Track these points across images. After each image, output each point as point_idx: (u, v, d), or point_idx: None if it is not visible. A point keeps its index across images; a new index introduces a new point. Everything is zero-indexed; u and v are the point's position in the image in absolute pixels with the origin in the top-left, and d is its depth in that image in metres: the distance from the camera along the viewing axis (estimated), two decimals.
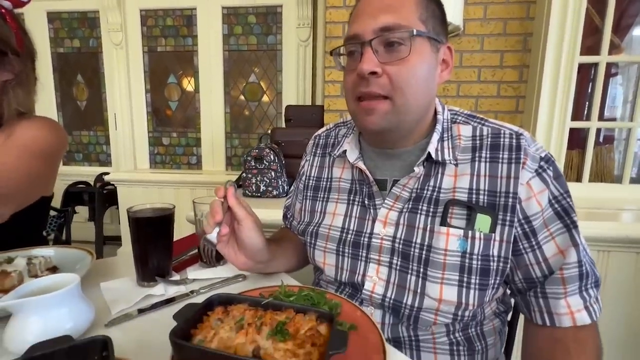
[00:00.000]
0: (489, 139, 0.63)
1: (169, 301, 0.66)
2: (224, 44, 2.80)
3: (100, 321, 0.58)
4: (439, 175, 0.64)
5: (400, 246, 0.64)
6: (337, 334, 0.46)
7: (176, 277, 0.76)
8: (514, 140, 0.61)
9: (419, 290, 0.61)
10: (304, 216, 0.83)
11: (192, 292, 0.69)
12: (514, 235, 0.59)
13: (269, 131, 1.94)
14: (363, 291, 0.67)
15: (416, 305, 0.62)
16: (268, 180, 1.67)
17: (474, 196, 0.61)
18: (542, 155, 0.60)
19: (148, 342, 0.54)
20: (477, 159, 0.63)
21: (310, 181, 0.84)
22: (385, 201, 0.67)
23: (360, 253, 0.69)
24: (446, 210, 0.61)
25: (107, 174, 2.72)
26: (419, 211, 0.64)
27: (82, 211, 2.78)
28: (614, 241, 1.35)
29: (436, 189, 0.64)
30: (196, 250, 0.87)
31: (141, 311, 0.62)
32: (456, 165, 0.63)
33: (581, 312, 0.58)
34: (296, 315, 0.52)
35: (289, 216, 0.94)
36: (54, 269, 0.71)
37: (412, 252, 0.63)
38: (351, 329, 0.56)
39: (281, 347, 0.45)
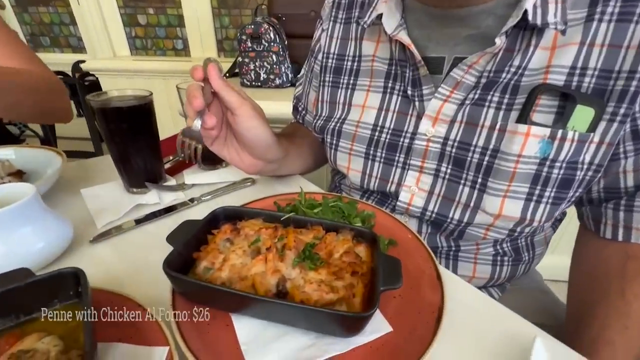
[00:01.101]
0: None
1: (168, 211, 0.55)
2: None
3: (84, 237, 0.48)
4: (530, 49, 0.43)
5: (454, 150, 0.49)
6: (387, 262, 0.35)
7: (171, 181, 0.64)
8: None
9: (471, 204, 0.49)
10: (321, 109, 0.65)
11: (192, 200, 0.58)
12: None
13: (266, 1, 1.55)
14: (398, 203, 0.55)
15: (465, 220, 0.51)
16: (269, 66, 1.41)
17: (576, 78, 0.42)
18: None
19: (144, 260, 0.44)
20: (595, 17, 0.41)
21: (330, 60, 0.62)
22: (440, 89, 0.48)
23: (396, 158, 0.55)
24: (530, 101, 0.43)
25: (83, 61, 2.37)
26: (488, 103, 0.46)
27: None
28: None
29: (520, 71, 0.44)
30: None
31: (137, 222, 0.52)
32: (563, 31, 0.42)
33: None
34: (327, 234, 0.40)
35: (300, 109, 0.75)
36: (18, 174, 0.58)
37: (469, 158, 0.48)
38: (390, 244, 0.46)
39: (313, 277, 0.34)
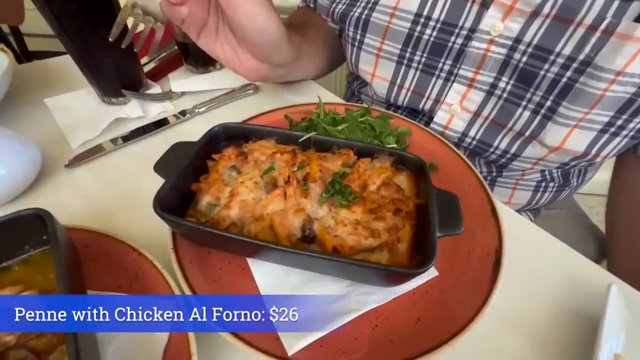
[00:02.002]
0: None
1: (157, 126, 0.45)
2: None
3: (57, 160, 0.39)
4: None
5: (525, 59, 0.36)
6: (442, 198, 0.27)
7: (155, 89, 0.52)
8: None
9: (527, 133, 0.39)
10: None
11: (183, 113, 0.47)
12: None
13: None
14: (431, 125, 0.45)
15: (512, 151, 0.42)
16: None
17: None
18: None
19: (135, 188, 0.37)
20: None
21: None
22: None
23: (440, 65, 0.42)
24: None
25: None
26: None
27: None
28: None
29: None
30: (175, 47, 0.58)
31: (124, 140, 0.43)
32: None
33: None
34: (359, 160, 0.32)
35: None
36: None
37: (543, 72, 0.35)
38: (430, 169, 0.38)
39: (346, 217, 0.27)
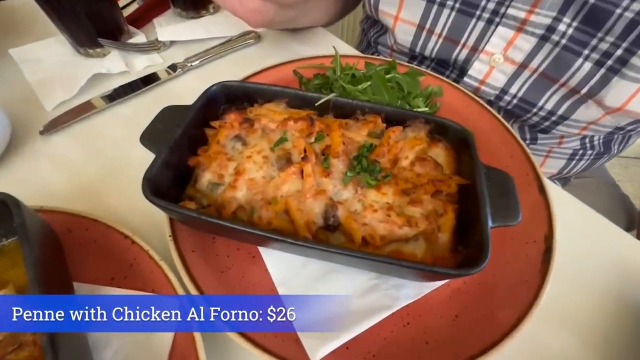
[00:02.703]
0: None
1: (145, 83, 0.39)
2: None
3: (30, 126, 0.34)
4: None
5: None
6: (492, 178, 0.22)
7: (138, 37, 0.44)
8: None
9: (584, 91, 0.33)
10: None
11: (173, 67, 0.40)
12: None
13: None
14: (465, 79, 0.39)
15: (560, 112, 0.36)
16: None
17: None
18: None
19: (124, 157, 0.32)
20: None
21: None
22: None
23: (483, 2, 0.34)
24: None
25: None
26: None
27: None
28: None
29: None
30: None
31: (110, 99, 0.37)
32: None
33: None
34: (388, 129, 0.26)
35: None
36: None
37: (620, 10, 0.28)
38: None
39: (375, 200, 0.23)
